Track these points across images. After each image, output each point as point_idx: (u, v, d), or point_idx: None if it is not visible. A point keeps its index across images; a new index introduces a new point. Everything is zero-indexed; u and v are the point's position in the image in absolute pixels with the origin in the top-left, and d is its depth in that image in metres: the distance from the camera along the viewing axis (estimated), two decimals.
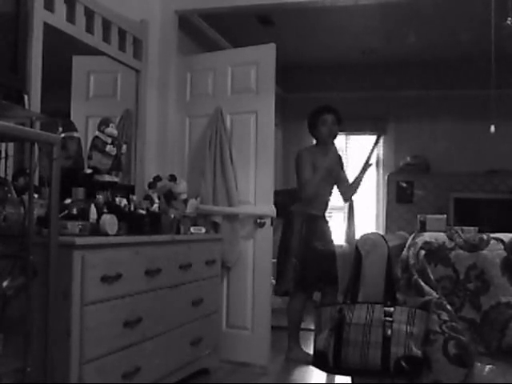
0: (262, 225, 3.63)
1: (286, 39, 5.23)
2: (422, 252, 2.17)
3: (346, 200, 4.15)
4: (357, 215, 4.27)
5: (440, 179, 6.12)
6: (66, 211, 2.41)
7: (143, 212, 2.83)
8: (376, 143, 4.14)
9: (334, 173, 3.94)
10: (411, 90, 6.18)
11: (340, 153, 4.15)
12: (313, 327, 3.94)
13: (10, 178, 2.33)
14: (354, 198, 4.12)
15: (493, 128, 3.18)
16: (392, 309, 1.90)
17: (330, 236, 3.94)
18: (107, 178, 2.83)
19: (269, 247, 3.65)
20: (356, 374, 1.98)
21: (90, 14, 3.04)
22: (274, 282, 4.03)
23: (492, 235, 2.24)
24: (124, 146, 2.97)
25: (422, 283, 2.06)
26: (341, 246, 4.60)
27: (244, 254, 3.66)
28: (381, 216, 6.37)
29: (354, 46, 5.76)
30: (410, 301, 2.00)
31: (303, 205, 3.83)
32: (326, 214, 4.01)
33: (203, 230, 3.34)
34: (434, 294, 2.01)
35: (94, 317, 2.25)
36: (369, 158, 3.99)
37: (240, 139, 3.69)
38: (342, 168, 4.12)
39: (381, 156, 6.53)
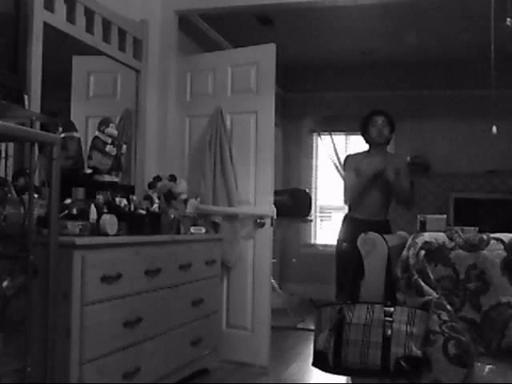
0: (261, 225, 3.62)
1: (286, 39, 5.23)
2: (422, 252, 2.17)
3: (407, 208, 3.90)
4: None
5: (440, 179, 6.12)
6: (66, 211, 2.41)
7: (143, 212, 2.83)
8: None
9: (380, 178, 3.66)
10: (411, 90, 6.18)
11: (401, 159, 3.97)
12: (313, 327, 3.94)
13: (10, 178, 2.33)
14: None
15: (494, 129, 3.17)
16: (392, 309, 1.90)
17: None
18: (107, 178, 2.83)
19: (269, 247, 3.65)
20: (356, 374, 1.98)
21: (90, 14, 3.04)
22: (273, 281, 4.04)
23: (492, 235, 2.24)
24: (124, 146, 2.98)
25: (422, 283, 2.06)
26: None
27: (244, 254, 3.66)
28: None
29: (354, 46, 5.76)
30: (410, 301, 2.00)
31: (349, 209, 3.82)
32: (380, 218, 3.72)
33: (203, 230, 3.34)
34: (434, 294, 2.01)
35: (94, 317, 2.25)
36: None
37: (240, 139, 3.69)
38: (400, 176, 3.73)
39: None
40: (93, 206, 2.49)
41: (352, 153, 4.12)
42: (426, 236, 2.26)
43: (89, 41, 3.04)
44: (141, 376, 2.54)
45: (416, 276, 2.09)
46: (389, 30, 5.25)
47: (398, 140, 6.38)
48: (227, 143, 3.66)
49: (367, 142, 3.86)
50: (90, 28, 3.05)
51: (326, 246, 6.50)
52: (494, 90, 3.22)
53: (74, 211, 2.43)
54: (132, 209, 2.83)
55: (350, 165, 3.83)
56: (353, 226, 3.73)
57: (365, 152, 3.92)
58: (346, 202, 3.86)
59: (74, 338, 2.16)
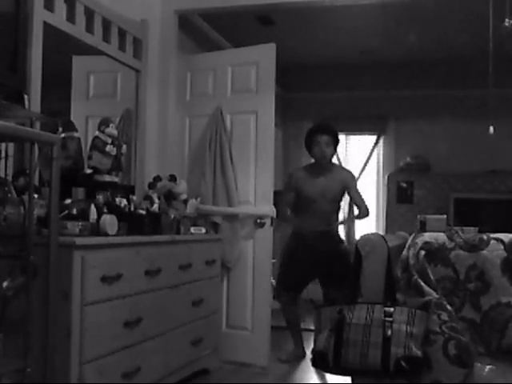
0: (261, 225, 3.62)
1: (286, 39, 5.22)
2: (422, 252, 2.17)
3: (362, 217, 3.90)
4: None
5: (440, 179, 6.12)
6: (66, 211, 2.41)
7: (143, 212, 2.83)
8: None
9: (329, 194, 3.76)
10: (411, 90, 6.18)
11: (348, 173, 3.92)
12: (313, 327, 3.94)
13: (10, 178, 2.33)
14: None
15: (491, 129, 3.18)
16: (392, 309, 1.90)
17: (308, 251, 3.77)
18: (107, 178, 2.83)
19: (269, 247, 3.65)
20: (356, 374, 1.98)
21: (89, 14, 3.04)
22: (273, 281, 4.04)
23: (492, 235, 2.24)
24: (124, 146, 2.98)
25: (422, 283, 2.06)
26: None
27: (244, 254, 3.66)
28: (381, 216, 6.37)
29: (354, 46, 5.76)
30: (410, 301, 2.00)
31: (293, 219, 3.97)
32: (324, 229, 3.78)
33: (203, 230, 3.34)
34: (434, 294, 2.01)
35: (94, 317, 2.25)
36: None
37: (240, 139, 3.69)
38: (350, 188, 3.83)
39: (381, 156, 6.52)
40: (93, 205, 2.49)
41: (296, 169, 4.14)
42: (426, 236, 2.26)
43: (89, 41, 3.04)
44: (141, 376, 2.54)
45: (416, 276, 2.09)
46: (389, 30, 5.25)
47: (398, 140, 6.40)
48: (227, 143, 3.66)
49: (313, 158, 3.86)
50: (90, 28, 3.05)
51: None
52: (493, 90, 3.23)
53: (74, 211, 2.43)
54: (132, 209, 2.83)
55: (290, 183, 3.89)
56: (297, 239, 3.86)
57: (309, 166, 3.94)
58: (281, 218, 3.92)
59: (74, 338, 2.16)
